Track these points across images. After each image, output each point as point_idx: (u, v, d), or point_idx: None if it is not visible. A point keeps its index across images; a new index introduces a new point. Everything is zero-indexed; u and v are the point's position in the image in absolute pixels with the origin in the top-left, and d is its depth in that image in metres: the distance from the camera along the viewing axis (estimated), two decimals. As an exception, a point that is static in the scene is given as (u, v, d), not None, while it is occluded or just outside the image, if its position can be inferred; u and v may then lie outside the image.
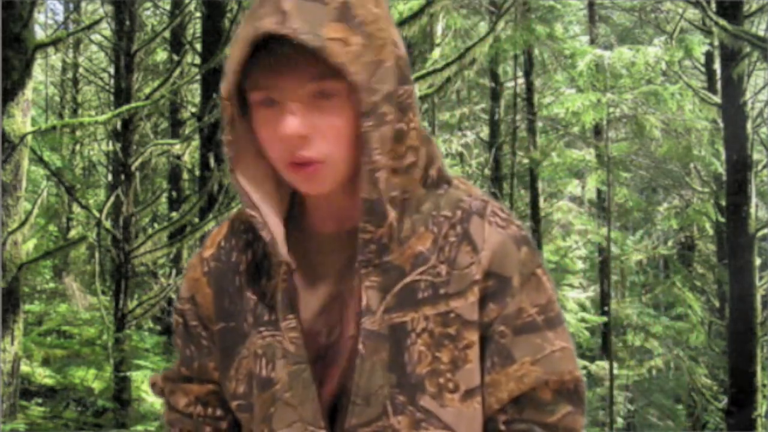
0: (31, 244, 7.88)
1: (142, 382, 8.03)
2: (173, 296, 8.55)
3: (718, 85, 10.28)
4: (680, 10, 11.78)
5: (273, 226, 1.08)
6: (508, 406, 1.07)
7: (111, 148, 9.51)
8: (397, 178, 1.04)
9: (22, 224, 6.05)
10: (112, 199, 7.83)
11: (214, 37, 9.03)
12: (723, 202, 10.32)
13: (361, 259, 1.04)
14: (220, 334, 1.14)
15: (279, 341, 1.08)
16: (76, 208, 12.05)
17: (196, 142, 10.15)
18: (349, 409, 1.04)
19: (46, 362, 8.81)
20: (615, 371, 11.62)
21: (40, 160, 7.73)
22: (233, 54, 1.02)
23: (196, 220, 8.70)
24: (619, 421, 13.15)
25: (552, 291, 1.09)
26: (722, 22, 8.18)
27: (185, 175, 12.38)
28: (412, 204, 1.07)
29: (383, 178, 1.02)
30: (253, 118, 1.05)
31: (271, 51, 0.99)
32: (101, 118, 7.67)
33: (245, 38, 1.00)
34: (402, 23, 6.74)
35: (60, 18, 16.41)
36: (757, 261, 9.20)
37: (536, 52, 13.22)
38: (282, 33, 0.97)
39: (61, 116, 13.55)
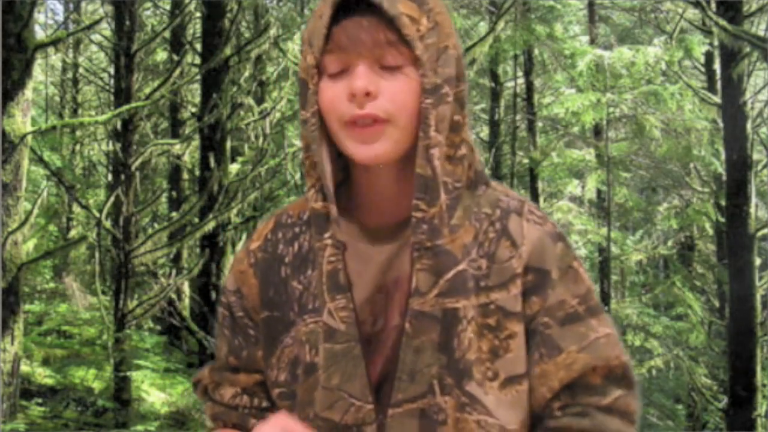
0: (31, 244, 7.88)
1: (142, 381, 8.04)
2: (173, 296, 8.56)
3: (718, 85, 10.28)
4: (680, 10, 11.78)
5: (330, 198, 1.11)
6: (560, 393, 1.10)
7: (111, 148, 9.51)
8: (451, 165, 1.09)
9: (22, 224, 6.05)
10: (112, 199, 7.83)
11: (214, 37, 9.04)
12: (723, 202, 10.31)
13: (413, 241, 1.07)
14: (264, 323, 1.17)
15: (325, 324, 1.10)
16: (76, 208, 12.05)
17: (196, 142, 10.15)
18: (395, 385, 1.07)
19: (46, 362, 8.81)
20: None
21: (40, 160, 7.73)
22: (316, 24, 1.08)
23: (196, 220, 8.71)
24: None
25: (589, 282, 1.15)
26: (722, 22, 8.18)
27: (185, 175, 12.38)
28: (462, 195, 1.11)
29: (437, 155, 1.06)
30: (320, 88, 1.09)
31: (350, 15, 1.06)
32: (101, 118, 7.67)
33: (329, 2, 1.07)
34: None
35: (60, 18, 16.42)
36: (757, 261, 9.20)
37: (536, 52, 13.22)
38: None
39: (61, 116, 13.55)
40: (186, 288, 9.85)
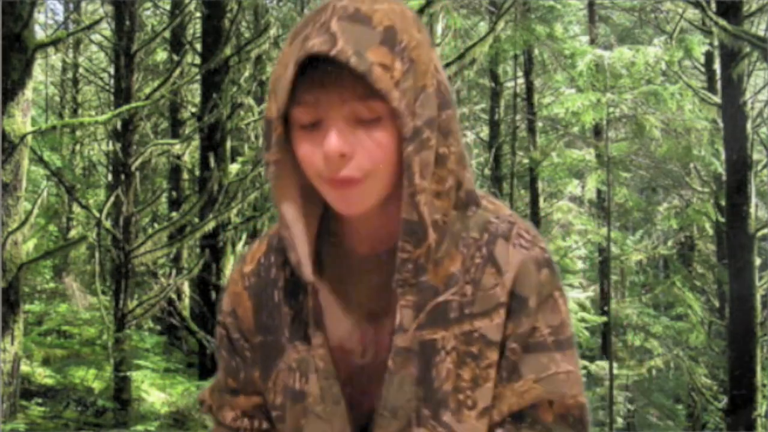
0: (31, 244, 7.88)
1: (142, 381, 8.04)
2: (173, 296, 8.56)
3: (718, 85, 10.29)
4: (680, 10, 11.78)
5: (300, 247, 1.09)
6: (507, 421, 1.08)
7: (111, 148, 9.52)
8: (439, 201, 1.07)
9: (22, 224, 6.05)
10: (112, 199, 7.83)
11: (214, 37, 9.04)
12: (723, 202, 10.32)
13: (397, 278, 1.06)
14: (259, 347, 1.17)
15: (312, 356, 1.11)
16: (76, 208, 12.05)
17: (196, 142, 10.15)
18: (377, 421, 1.07)
19: (46, 362, 8.81)
20: (615, 371, 11.62)
21: (40, 160, 7.73)
22: (280, 74, 1.03)
23: (196, 220, 8.70)
24: (619, 421, 13.17)
25: (566, 315, 1.11)
26: (722, 22, 8.18)
27: (185, 175, 12.38)
28: (450, 228, 1.09)
29: (423, 201, 1.04)
30: (293, 137, 1.06)
31: (318, 70, 1.01)
32: (101, 118, 7.66)
33: (294, 58, 1.01)
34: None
35: (60, 18, 16.43)
36: (757, 261, 9.20)
37: (536, 52, 13.23)
38: (331, 55, 0.98)
39: (61, 116, 13.55)
40: (186, 288, 9.86)
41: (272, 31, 9.09)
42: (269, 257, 1.18)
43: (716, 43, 9.77)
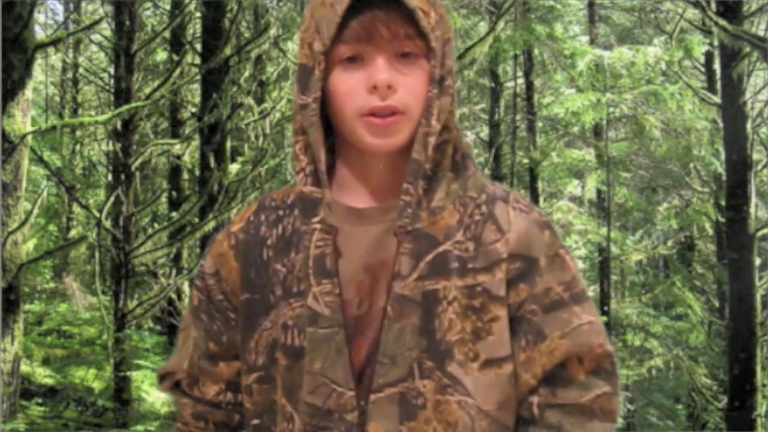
0: (31, 244, 7.88)
1: (142, 381, 8.03)
2: (173, 296, 8.56)
3: (718, 85, 10.28)
4: (680, 10, 11.78)
5: (322, 173, 1.12)
6: (541, 385, 1.11)
7: (111, 148, 9.52)
8: (433, 152, 1.10)
9: (22, 224, 6.05)
10: (112, 199, 7.83)
11: (214, 37, 9.03)
12: (723, 202, 10.31)
13: (398, 224, 1.09)
14: (243, 305, 1.16)
15: (310, 307, 1.10)
16: (76, 208, 12.05)
17: (196, 142, 10.15)
18: (376, 369, 1.07)
19: (46, 362, 8.81)
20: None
21: (40, 160, 7.73)
22: (323, 13, 1.08)
23: (196, 220, 8.70)
24: (619, 421, 13.11)
25: (575, 269, 1.15)
26: (722, 22, 8.18)
27: (185, 175, 12.38)
28: (442, 179, 1.11)
29: (432, 143, 1.09)
30: (331, 76, 1.10)
31: (366, 6, 1.07)
32: (101, 118, 7.67)
33: None
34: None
35: (60, 18, 16.42)
36: (757, 261, 9.20)
37: (536, 52, 13.22)
38: None
39: (61, 116, 13.55)
40: (186, 288, 9.85)
41: (272, 31, 9.09)
42: (259, 216, 1.18)
43: (716, 43, 9.76)
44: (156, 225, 11.66)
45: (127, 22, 8.02)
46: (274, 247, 1.15)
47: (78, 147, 12.98)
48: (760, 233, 9.19)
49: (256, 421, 1.14)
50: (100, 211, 7.56)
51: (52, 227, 11.62)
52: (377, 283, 1.10)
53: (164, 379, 1.25)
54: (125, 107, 7.40)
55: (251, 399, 1.15)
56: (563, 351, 1.10)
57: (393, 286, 1.08)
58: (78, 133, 11.91)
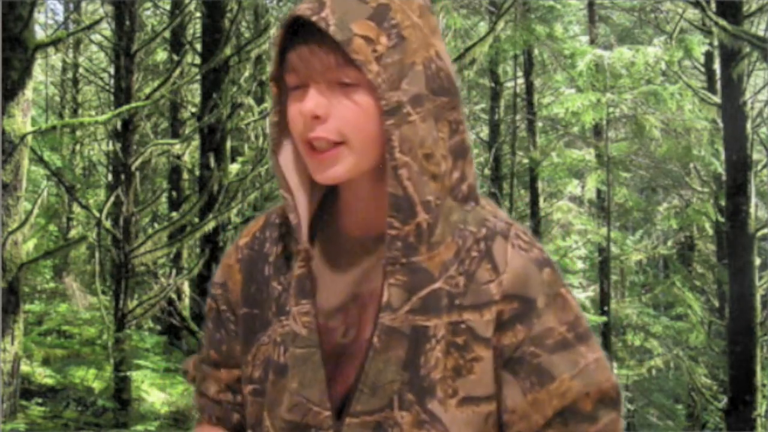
0: (31, 244, 7.88)
1: (142, 381, 8.03)
2: (173, 296, 8.56)
3: (718, 85, 10.28)
4: (680, 10, 11.78)
5: (302, 210, 1.12)
6: (553, 421, 1.10)
7: (111, 148, 9.52)
8: (433, 183, 1.07)
9: (22, 224, 6.05)
10: (112, 199, 7.83)
11: (214, 37, 9.03)
12: (723, 202, 10.32)
13: (387, 256, 1.07)
14: (243, 319, 1.18)
15: (295, 323, 1.11)
16: (76, 208, 12.05)
17: (196, 142, 10.15)
18: (355, 396, 1.07)
19: (46, 362, 8.81)
20: (615, 371, 11.61)
21: (40, 160, 7.73)
22: (275, 38, 1.10)
23: (196, 220, 8.70)
24: (619, 421, 13.13)
25: (577, 308, 1.13)
26: (722, 22, 8.18)
27: (185, 175, 12.38)
28: (444, 212, 1.09)
29: (406, 176, 1.05)
30: (288, 101, 1.11)
31: (304, 35, 1.06)
32: (101, 118, 7.66)
33: (283, 21, 1.08)
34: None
35: (60, 18, 16.43)
36: (757, 261, 9.20)
37: (536, 52, 13.22)
38: (312, 20, 1.04)
39: (61, 116, 13.55)
40: (186, 288, 9.86)
41: (272, 31, 9.08)
42: (264, 231, 1.20)
43: (716, 43, 9.77)
44: (156, 225, 11.67)
45: (127, 22, 8.02)
46: (274, 264, 1.16)
47: (78, 147, 12.99)
48: (760, 233, 9.19)
49: None
50: (100, 211, 7.56)
51: (52, 227, 11.62)
52: (365, 313, 1.10)
53: (185, 374, 1.34)
54: (125, 107, 7.39)
55: (247, 410, 1.18)
56: (575, 392, 1.09)
57: (380, 317, 1.07)
58: (78, 133, 11.91)
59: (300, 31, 1.06)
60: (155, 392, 8.32)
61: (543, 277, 1.10)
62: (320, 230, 1.15)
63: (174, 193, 12.06)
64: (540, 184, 13.66)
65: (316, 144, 1.06)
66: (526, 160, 13.48)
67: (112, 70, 12.08)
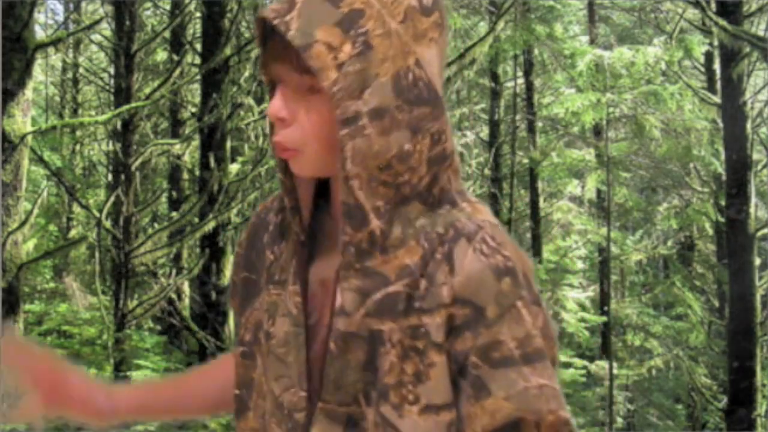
0: (31, 244, 7.88)
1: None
2: (173, 296, 8.57)
3: (718, 85, 10.29)
4: (680, 10, 11.78)
5: (303, 194, 1.14)
6: None
7: (111, 148, 9.52)
8: (385, 189, 1.05)
9: (22, 224, 6.05)
10: (112, 199, 7.83)
11: (214, 37, 9.04)
12: (723, 202, 10.32)
13: (342, 261, 1.07)
14: (242, 283, 1.22)
15: (283, 300, 1.13)
16: (76, 208, 12.06)
17: (196, 142, 10.15)
18: (323, 385, 1.08)
19: (46, 362, 8.79)
20: (615, 371, 11.62)
21: (40, 160, 7.73)
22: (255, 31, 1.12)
23: (196, 220, 8.70)
24: (619, 421, 13.16)
25: (531, 326, 1.05)
26: (722, 22, 8.19)
27: (185, 175, 12.38)
28: (403, 216, 1.06)
29: (357, 186, 1.04)
30: None
31: (273, 36, 1.06)
32: (101, 118, 7.67)
33: (256, 18, 1.09)
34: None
35: (60, 18, 16.43)
36: (757, 261, 9.20)
37: (536, 52, 13.23)
38: (274, 23, 1.03)
39: (61, 116, 13.55)
40: (186, 288, 9.85)
41: (272, 31, 9.08)
42: (273, 203, 1.23)
43: (716, 43, 9.77)
44: (156, 225, 11.67)
45: (127, 22, 8.02)
46: (271, 234, 1.19)
47: (78, 147, 12.99)
48: (760, 233, 9.20)
49: (237, 392, 1.19)
50: (100, 211, 7.56)
51: (52, 227, 11.62)
52: (326, 298, 1.10)
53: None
54: (125, 107, 7.40)
55: (237, 371, 1.20)
56: (505, 414, 1.02)
57: (335, 322, 1.06)
58: (78, 133, 11.91)
59: (272, 30, 1.06)
60: (155, 392, 8.31)
61: (500, 285, 1.04)
62: (317, 212, 1.16)
63: (174, 193, 12.06)
64: (540, 184, 13.67)
65: (276, 146, 1.08)
66: (526, 160, 13.49)
67: (112, 70, 12.08)
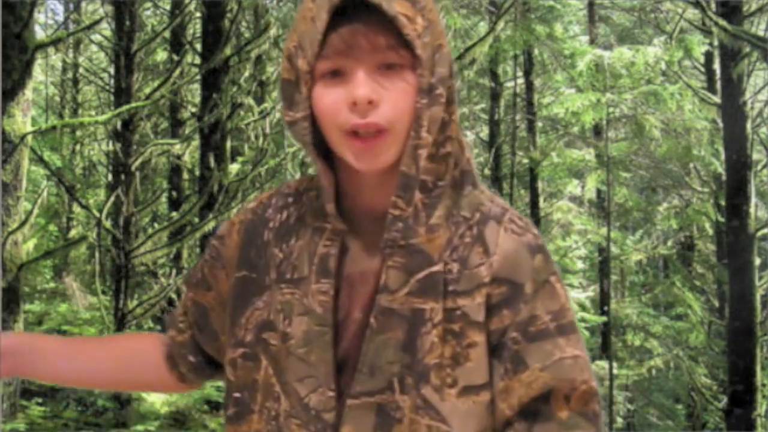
0: (31, 244, 7.88)
1: (142, 382, 8.02)
2: (173, 296, 8.57)
3: (718, 85, 10.29)
4: (680, 10, 11.78)
5: (330, 197, 1.11)
6: (518, 419, 1.06)
7: (111, 148, 9.52)
8: (433, 163, 1.08)
9: (22, 224, 6.05)
10: (112, 199, 7.83)
11: (214, 37, 9.04)
12: (723, 202, 10.32)
13: (386, 238, 1.07)
14: (239, 282, 1.18)
15: (297, 299, 1.11)
16: (76, 208, 12.06)
17: (196, 142, 10.15)
18: (355, 377, 1.06)
19: (46, 362, 8.78)
20: (615, 371, 11.63)
21: (40, 160, 7.73)
22: (306, 29, 1.06)
23: (196, 220, 8.70)
24: (619, 421, 13.17)
25: (565, 299, 1.10)
26: (722, 22, 8.19)
27: (185, 175, 12.38)
28: (443, 195, 1.09)
29: (423, 155, 1.06)
30: (313, 91, 1.07)
31: (347, 18, 1.04)
32: (101, 118, 7.67)
33: (325, 6, 1.04)
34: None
35: (60, 18, 16.43)
36: (757, 261, 9.20)
37: (536, 52, 13.23)
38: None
39: (61, 116, 13.55)
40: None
41: (272, 31, 9.09)
42: (272, 200, 1.21)
43: (716, 43, 9.77)
44: (156, 225, 11.67)
45: (127, 22, 8.02)
46: (275, 231, 1.17)
47: (78, 147, 12.99)
48: (760, 233, 9.20)
49: (237, 395, 1.15)
50: (100, 211, 7.56)
51: (52, 227, 11.62)
52: (354, 294, 1.09)
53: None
54: (125, 107, 7.40)
55: (234, 373, 1.16)
56: (541, 384, 1.05)
57: (378, 298, 1.06)
58: (78, 133, 11.91)
59: (337, 13, 1.04)
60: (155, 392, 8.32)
61: (534, 262, 1.08)
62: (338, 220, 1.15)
63: (174, 193, 12.06)
64: (540, 184, 13.66)
65: (363, 131, 1.04)
66: (526, 160, 13.49)
67: (112, 70, 12.08)
